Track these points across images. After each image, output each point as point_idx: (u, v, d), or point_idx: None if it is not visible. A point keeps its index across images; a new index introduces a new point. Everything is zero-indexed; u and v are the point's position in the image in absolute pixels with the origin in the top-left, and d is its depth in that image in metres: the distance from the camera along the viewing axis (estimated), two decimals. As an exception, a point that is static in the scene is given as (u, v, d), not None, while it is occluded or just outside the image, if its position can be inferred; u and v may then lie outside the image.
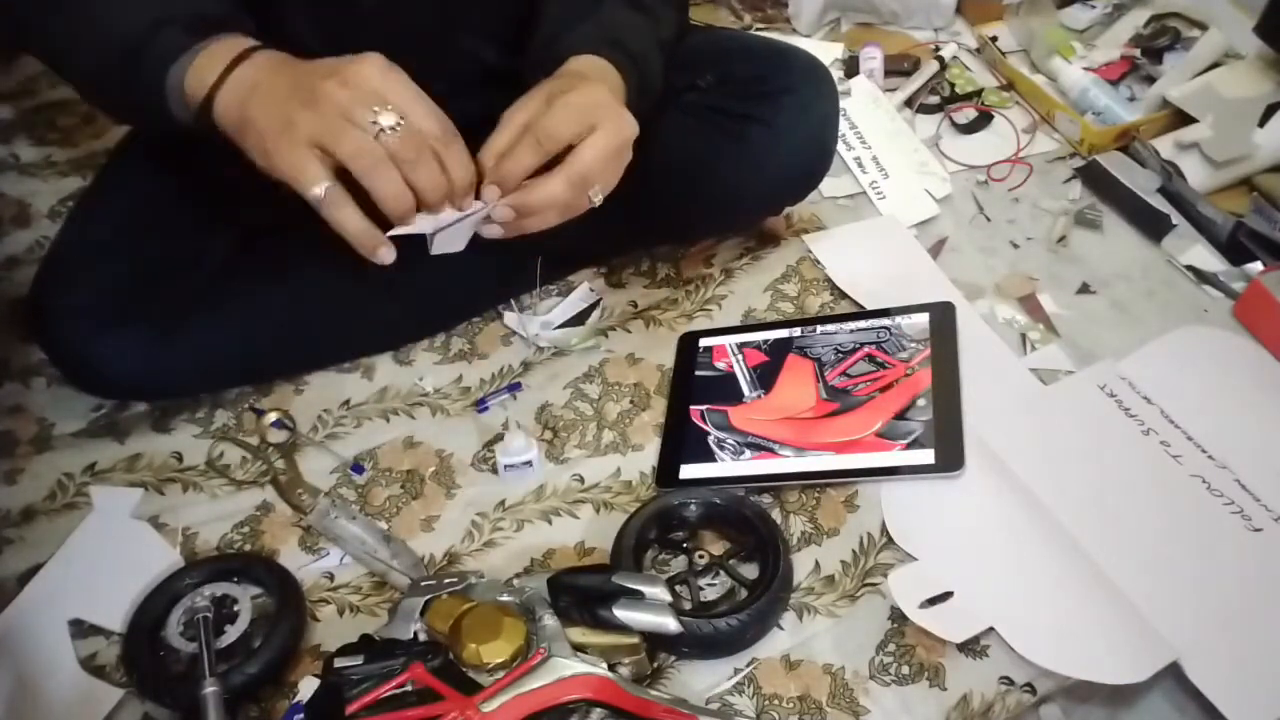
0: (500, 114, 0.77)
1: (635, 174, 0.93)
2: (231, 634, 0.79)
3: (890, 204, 1.16)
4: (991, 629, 0.78)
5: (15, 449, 0.96)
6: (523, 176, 0.74)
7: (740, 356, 1.00)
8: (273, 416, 0.92)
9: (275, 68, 0.71)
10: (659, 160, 0.94)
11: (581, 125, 0.74)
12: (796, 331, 1.01)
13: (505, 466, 0.90)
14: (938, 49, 1.35)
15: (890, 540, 0.85)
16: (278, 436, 0.93)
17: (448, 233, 0.74)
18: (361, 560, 0.86)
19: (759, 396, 0.96)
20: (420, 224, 0.72)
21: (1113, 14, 1.34)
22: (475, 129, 0.76)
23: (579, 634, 0.73)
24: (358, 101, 0.67)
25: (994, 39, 1.35)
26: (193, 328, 0.91)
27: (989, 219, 1.15)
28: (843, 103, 1.14)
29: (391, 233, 0.71)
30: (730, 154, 0.95)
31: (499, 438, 0.93)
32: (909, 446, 0.89)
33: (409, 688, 0.70)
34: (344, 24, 0.85)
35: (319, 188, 0.67)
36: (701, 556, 0.84)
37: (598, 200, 0.76)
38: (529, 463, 0.90)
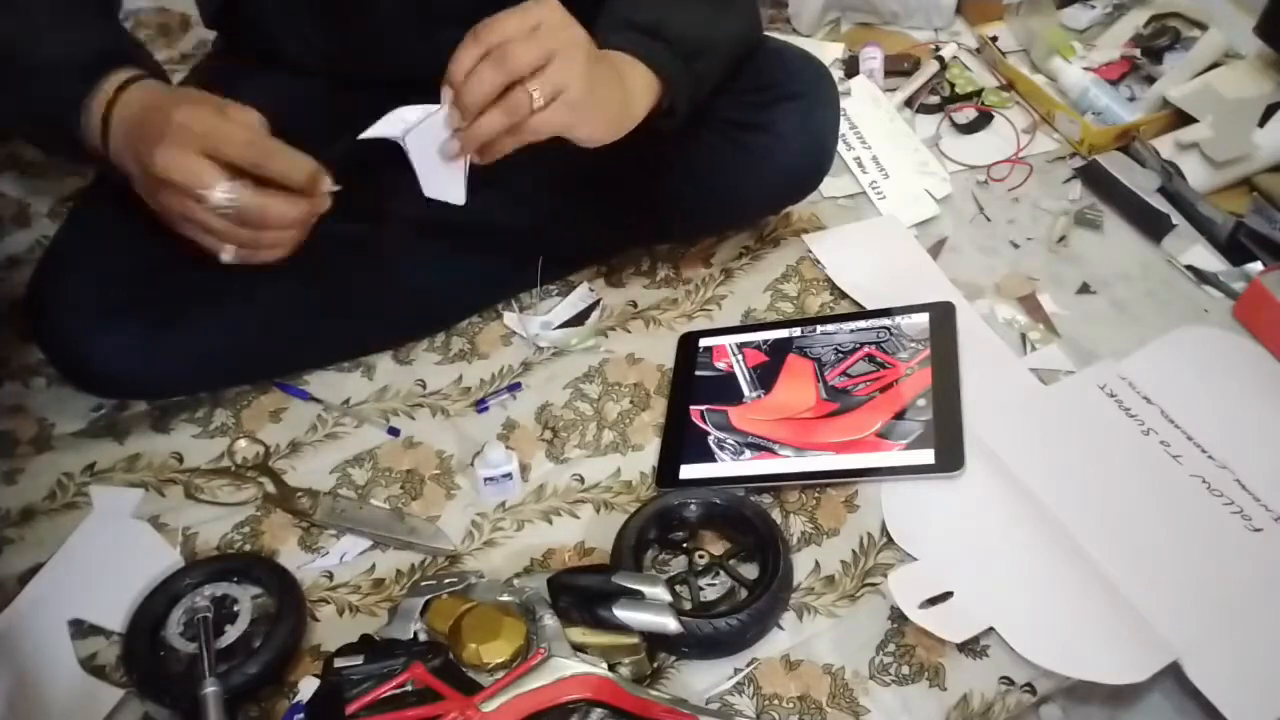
0: None
1: (635, 176, 0.94)
2: (231, 634, 0.79)
3: (890, 204, 1.16)
4: (991, 629, 0.79)
5: (15, 449, 0.96)
6: (484, 100, 0.71)
7: (740, 356, 1.00)
8: (242, 442, 0.94)
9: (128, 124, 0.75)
10: (660, 165, 0.95)
11: (541, 51, 0.71)
12: (796, 331, 1.01)
13: (484, 480, 0.89)
14: (938, 49, 1.35)
15: (890, 540, 0.85)
16: (251, 454, 0.94)
17: (441, 179, 0.74)
18: (381, 539, 0.87)
19: (759, 396, 0.96)
20: (386, 127, 0.72)
21: (1113, 14, 1.34)
22: None
23: (579, 634, 0.74)
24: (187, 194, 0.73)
25: (994, 39, 1.35)
26: (191, 325, 0.91)
27: (989, 219, 1.15)
28: (843, 103, 1.14)
29: (364, 134, 0.72)
30: (732, 160, 0.95)
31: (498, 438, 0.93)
32: (909, 446, 0.88)
33: (409, 688, 0.70)
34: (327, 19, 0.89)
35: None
36: (701, 556, 0.84)
37: (538, 100, 0.71)
38: (509, 475, 0.89)
